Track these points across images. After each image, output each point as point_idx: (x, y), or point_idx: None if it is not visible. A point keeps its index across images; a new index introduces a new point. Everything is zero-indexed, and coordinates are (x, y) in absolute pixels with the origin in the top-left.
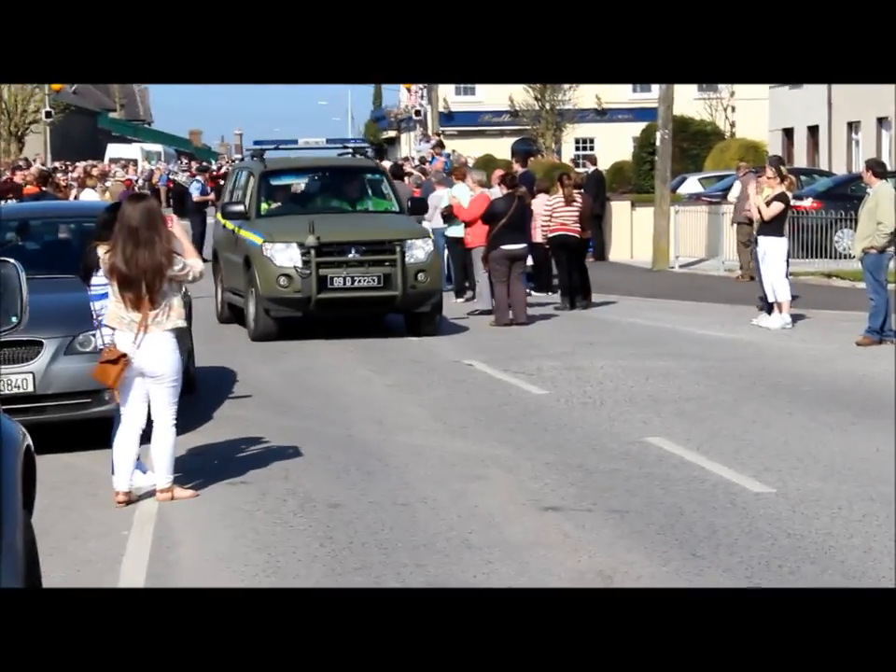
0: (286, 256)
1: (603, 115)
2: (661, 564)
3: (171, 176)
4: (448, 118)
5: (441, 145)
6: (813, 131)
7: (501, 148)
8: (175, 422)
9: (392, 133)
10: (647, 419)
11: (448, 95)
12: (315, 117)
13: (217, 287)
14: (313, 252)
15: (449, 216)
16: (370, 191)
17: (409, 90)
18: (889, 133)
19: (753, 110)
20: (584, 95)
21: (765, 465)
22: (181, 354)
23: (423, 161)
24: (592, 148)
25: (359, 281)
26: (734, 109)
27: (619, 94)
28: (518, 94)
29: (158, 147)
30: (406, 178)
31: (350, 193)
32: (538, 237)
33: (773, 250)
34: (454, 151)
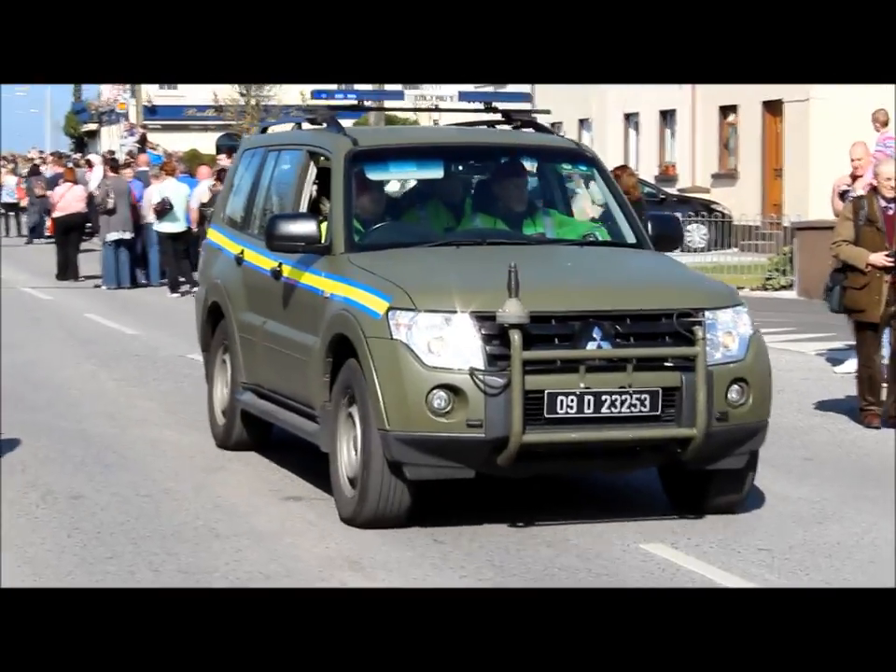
0: (450, 343)
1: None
2: (406, 549)
3: None
4: (151, 111)
5: (144, 139)
6: None
7: (206, 143)
8: None
9: (93, 127)
10: None
11: (151, 89)
12: (10, 107)
13: (218, 381)
14: (515, 337)
15: (162, 211)
16: (554, 199)
17: None
18: None
19: None
20: (290, 91)
21: None
22: None
23: (131, 154)
24: None
25: (614, 404)
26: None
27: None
28: (222, 89)
29: None
30: (123, 171)
31: (519, 202)
32: None
33: None
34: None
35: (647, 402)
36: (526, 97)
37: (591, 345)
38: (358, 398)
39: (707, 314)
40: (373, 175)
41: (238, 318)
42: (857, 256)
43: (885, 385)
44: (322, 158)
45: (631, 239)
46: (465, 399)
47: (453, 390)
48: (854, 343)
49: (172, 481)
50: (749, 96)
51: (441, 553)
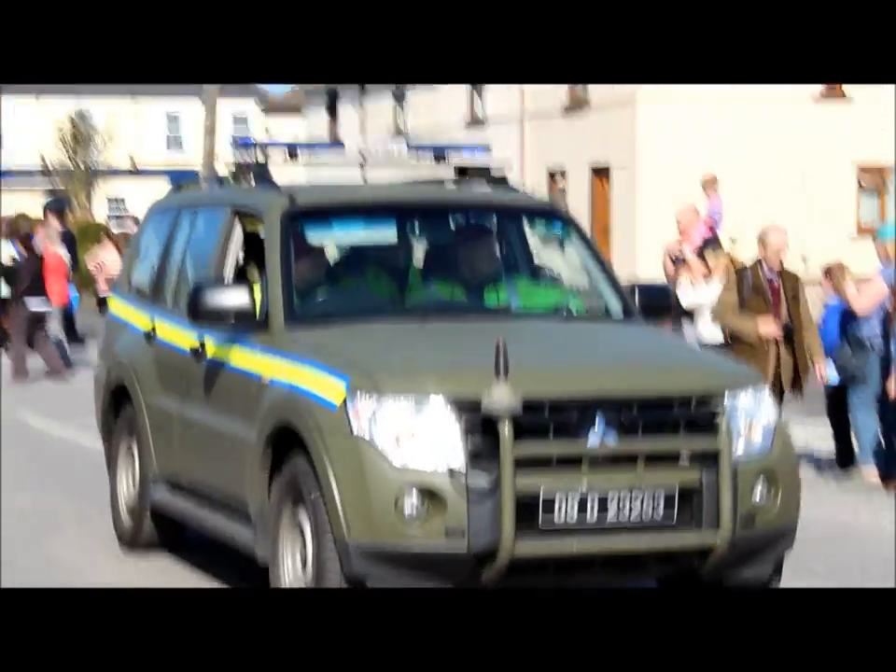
0: (423, 436)
1: (137, 174)
2: None
3: None
4: None
5: None
6: None
7: (32, 206)
8: None
9: None
10: None
11: None
12: None
13: (123, 474)
14: (506, 430)
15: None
16: (519, 264)
17: None
18: None
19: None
20: (117, 153)
21: None
22: None
23: None
24: (125, 208)
25: (622, 508)
26: None
27: (152, 154)
28: (49, 152)
29: None
30: None
31: (486, 268)
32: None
33: None
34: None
35: (661, 506)
36: (482, 150)
37: (593, 437)
38: (308, 501)
39: (726, 398)
40: (314, 238)
41: (149, 402)
42: (745, 325)
43: None
44: (251, 218)
45: (617, 310)
46: (443, 504)
47: (428, 494)
48: None
49: (4, 542)
50: (577, 161)
51: None
